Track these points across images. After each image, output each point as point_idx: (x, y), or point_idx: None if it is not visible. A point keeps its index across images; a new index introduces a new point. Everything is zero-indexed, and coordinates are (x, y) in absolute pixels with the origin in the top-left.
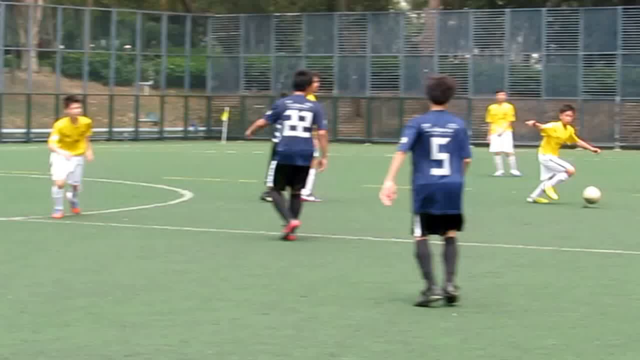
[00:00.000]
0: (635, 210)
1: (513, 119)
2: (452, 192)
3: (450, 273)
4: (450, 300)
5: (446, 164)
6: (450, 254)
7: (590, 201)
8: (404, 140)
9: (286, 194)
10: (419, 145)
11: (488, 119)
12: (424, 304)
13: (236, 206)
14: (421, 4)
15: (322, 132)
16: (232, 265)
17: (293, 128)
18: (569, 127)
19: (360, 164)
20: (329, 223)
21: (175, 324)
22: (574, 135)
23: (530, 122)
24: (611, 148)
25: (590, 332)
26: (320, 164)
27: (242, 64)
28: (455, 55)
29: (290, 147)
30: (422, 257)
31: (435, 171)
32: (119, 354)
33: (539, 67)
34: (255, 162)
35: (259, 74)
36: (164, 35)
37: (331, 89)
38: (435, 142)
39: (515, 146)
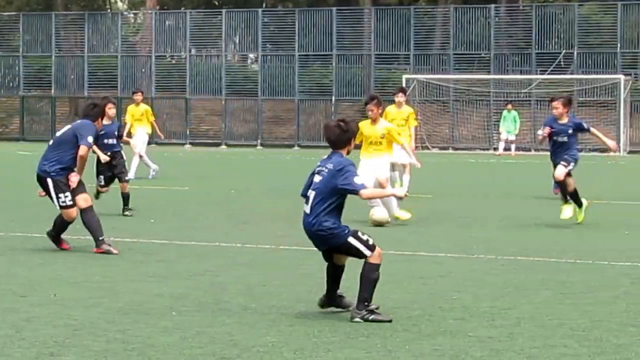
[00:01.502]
0: (352, 209)
1: (152, 118)
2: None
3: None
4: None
5: (310, 202)
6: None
7: (376, 223)
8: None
9: None
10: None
11: (127, 120)
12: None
13: None
14: (138, 4)
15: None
16: None
17: None
18: (381, 123)
19: None
20: (50, 223)
21: None
22: (392, 134)
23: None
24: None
25: (308, 329)
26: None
27: None
28: (173, 56)
29: None
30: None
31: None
32: None
33: (255, 67)
34: None
35: None
36: None
37: (49, 89)
38: (314, 179)
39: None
